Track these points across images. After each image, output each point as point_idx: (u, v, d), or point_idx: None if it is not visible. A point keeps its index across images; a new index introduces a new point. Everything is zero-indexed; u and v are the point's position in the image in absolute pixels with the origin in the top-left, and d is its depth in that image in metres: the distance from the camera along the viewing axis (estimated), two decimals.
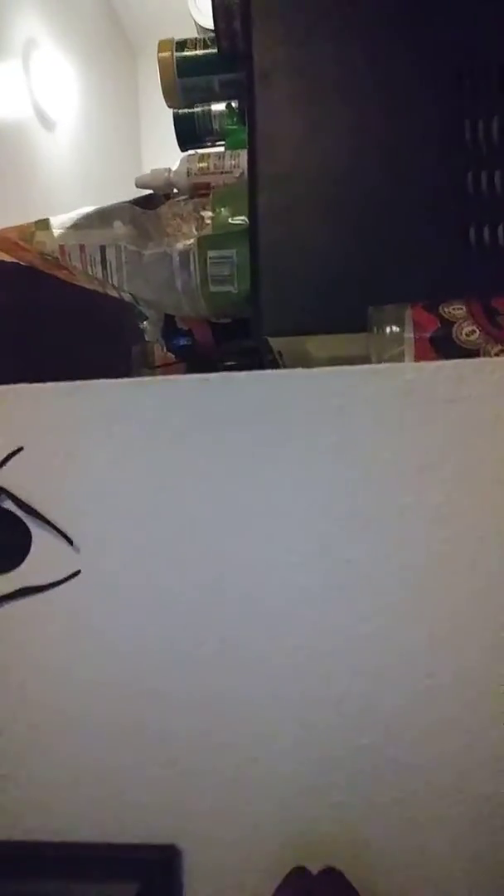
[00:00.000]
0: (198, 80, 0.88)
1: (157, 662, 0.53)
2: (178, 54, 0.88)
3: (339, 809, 0.50)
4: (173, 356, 1.16)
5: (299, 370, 0.52)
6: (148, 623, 0.53)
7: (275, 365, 0.97)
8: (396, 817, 0.50)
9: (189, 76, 0.88)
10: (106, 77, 3.64)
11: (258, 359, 1.09)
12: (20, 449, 0.54)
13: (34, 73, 2.78)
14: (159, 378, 0.53)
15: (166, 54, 0.88)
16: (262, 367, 1.14)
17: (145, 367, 1.32)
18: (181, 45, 0.88)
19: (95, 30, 3.56)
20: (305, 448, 0.52)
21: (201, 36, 0.88)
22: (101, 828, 0.53)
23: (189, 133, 1.01)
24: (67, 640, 0.54)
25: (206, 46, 0.88)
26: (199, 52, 0.87)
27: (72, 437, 0.54)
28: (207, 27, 3.36)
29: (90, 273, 0.79)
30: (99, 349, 1.35)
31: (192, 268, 0.78)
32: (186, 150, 1.04)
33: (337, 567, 0.52)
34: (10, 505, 0.54)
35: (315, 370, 0.52)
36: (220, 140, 1.02)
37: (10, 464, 0.54)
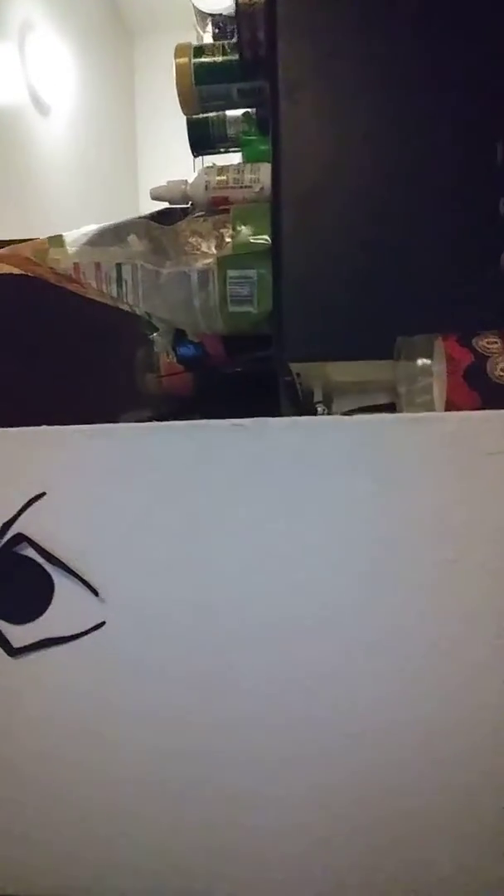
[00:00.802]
0: (216, 87, 0.85)
1: (185, 721, 0.51)
2: (196, 60, 0.84)
3: (367, 878, 0.49)
4: (180, 365, 1.13)
5: (338, 417, 0.50)
6: (177, 677, 0.51)
7: (291, 386, 0.95)
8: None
9: (206, 84, 0.85)
10: (102, 60, 3.57)
11: (270, 367, 1.06)
12: (43, 494, 0.52)
13: (29, 57, 2.72)
14: (191, 422, 0.51)
15: (183, 60, 0.84)
16: (274, 376, 1.12)
17: (149, 372, 1.30)
18: (199, 50, 0.85)
19: (92, 12, 3.48)
20: (342, 498, 0.50)
21: (219, 42, 0.85)
22: (126, 887, 0.52)
23: (202, 139, 0.98)
24: (91, 693, 0.52)
25: (224, 53, 0.84)
26: (218, 58, 0.84)
27: (97, 482, 0.51)
28: (206, 11, 3.29)
29: (105, 291, 0.77)
30: (101, 352, 1.32)
31: (210, 287, 0.76)
32: (199, 155, 1.01)
33: (372, 623, 0.50)
34: (32, 552, 0.52)
35: (354, 418, 0.50)
36: (234, 146, 0.99)
37: (32, 509, 0.52)
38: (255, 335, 0.86)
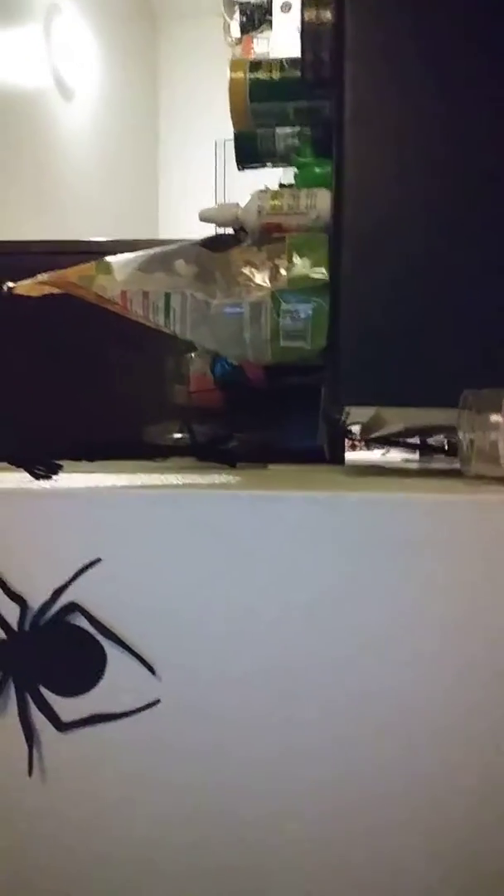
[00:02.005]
0: (271, 105, 0.81)
1: (240, 808, 0.48)
2: (252, 76, 0.80)
3: None
4: (213, 382, 1.10)
5: (419, 497, 0.47)
6: (231, 761, 0.48)
7: (334, 422, 0.91)
8: None
9: (262, 101, 0.81)
10: (126, 45, 3.51)
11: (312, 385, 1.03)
12: (97, 560, 0.48)
13: (55, 41, 2.67)
14: (259, 493, 0.47)
15: (239, 75, 0.80)
16: (308, 395, 1.09)
17: (178, 384, 1.27)
18: (255, 66, 0.81)
19: None
20: (416, 580, 0.46)
21: (277, 59, 0.80)
22: None
23: (249, 153, 0.94)
24: (141, 771, 0.49)
25: (282, 70, 0.80)
26: (275, 75, 0.80)
27: (156, 549, 0.48)
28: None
29: (151, 319, 0.73)
30: (131, 362, 1.29)
31: (262, 321, 0.72)
32: (244, 169, 0.97)
33: (442, 716, 0.47)
34: (84, 622, 0.49)
35: (438, 498, 0.47)
36: (282, 162, 0.95)
37: (85, 576, 0.48)
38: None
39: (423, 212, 0.67)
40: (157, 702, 0.48)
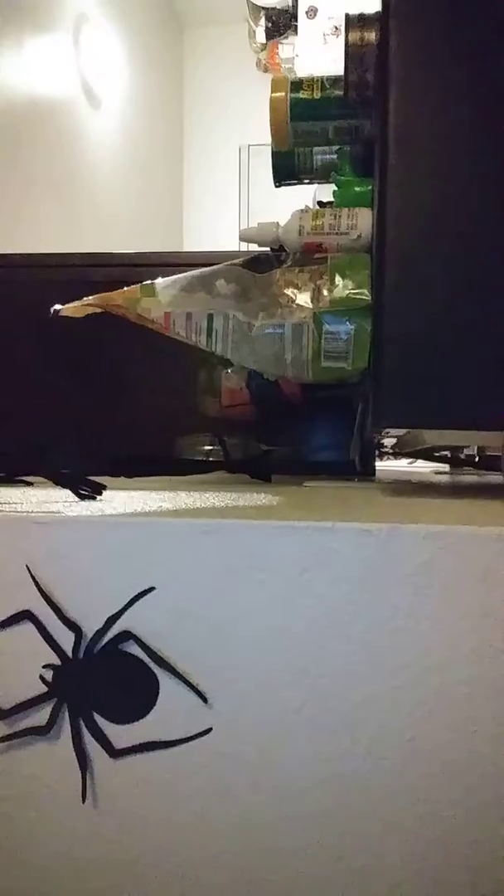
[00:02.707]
0: (312, 124, 0.81)
1: (290, 839, 0.48)
2: (293, 95, 0.80)
3: None
4: (247, 395, 1.10)
5: (478, 530, 0.46)
6: (285, 791, 0.48)
7: (370, 438, 0.91)
8: None
9: (303, 120, 0.81)
10: (152, 52, 3.53)
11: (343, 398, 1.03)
12: (151, 589, 0.49)
13: (83, 50, 2.69)
14: (313, 524, 0.47)
15: (280, 94, 0.80)
16: (347, 409, 1.09)
17: (210, 396, 1.27)
18: (297, 85, 0.81)
19: (145, 3, 3.43)
20: (478, 614, 0.46)
21: (318, 78, 0.80)
22: None
23: (287, 170, 0.94)
24: (191, 799, 0.49)
25: (323, 89, 0.80)
26: (317, 95, 0.80)
27: (209, 579, 0.49)
28: (259, 4, 3.26)
29: (194, 340, 0.73)
30: (163, 373, 1.30)
31: (304, 341, 0.72)
32: (281, 186, 0.97)
33: (481, 749, 0.47)
34: (138, 650, 0.49)
35: (487, 531, 0.46)
36: (319, 179, 0.95)
37: (139, 605, 0.49)
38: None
39: (467, 233, 0.67)
40: (209, 730, 0.49)
